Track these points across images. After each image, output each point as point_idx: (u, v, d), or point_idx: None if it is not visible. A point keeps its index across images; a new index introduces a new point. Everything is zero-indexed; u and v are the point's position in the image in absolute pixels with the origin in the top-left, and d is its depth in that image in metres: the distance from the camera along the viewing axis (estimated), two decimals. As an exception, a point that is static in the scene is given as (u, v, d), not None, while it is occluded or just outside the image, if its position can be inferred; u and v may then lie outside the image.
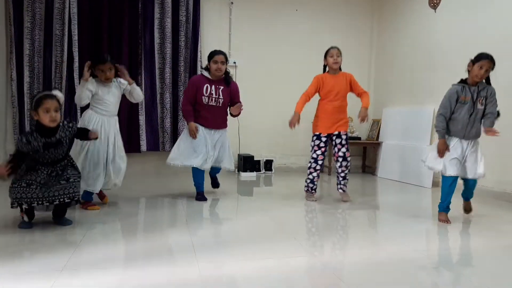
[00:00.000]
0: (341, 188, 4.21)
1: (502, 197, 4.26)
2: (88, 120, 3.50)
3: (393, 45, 6.25)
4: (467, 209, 3.59)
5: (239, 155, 6.00)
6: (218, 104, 4.01)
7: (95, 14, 5.54)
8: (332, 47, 4.14)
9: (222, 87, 4.02)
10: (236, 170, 6.01)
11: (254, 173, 5.93)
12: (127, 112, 5.65)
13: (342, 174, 4.17)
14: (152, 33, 5.75)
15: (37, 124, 2.82)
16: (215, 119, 4.03)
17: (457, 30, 4.97)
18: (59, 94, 2.91)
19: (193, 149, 3.95)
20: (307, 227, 3.28)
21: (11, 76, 5.35)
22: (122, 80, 3.67)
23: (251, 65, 6.16)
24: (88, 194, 3.55)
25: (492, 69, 3.26)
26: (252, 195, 4.55)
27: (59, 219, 3.02)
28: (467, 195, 3.55)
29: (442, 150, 3.32)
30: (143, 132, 5.75)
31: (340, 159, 4.13)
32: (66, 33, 5.39)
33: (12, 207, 2.83)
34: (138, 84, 5.69)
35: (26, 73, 5.36)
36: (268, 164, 6.14)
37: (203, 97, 3.95)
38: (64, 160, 2.96)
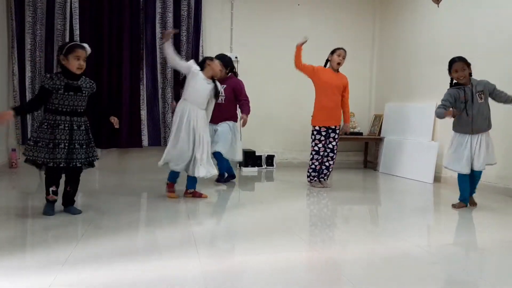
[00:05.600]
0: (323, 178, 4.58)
1: (505, 193, 4.25)
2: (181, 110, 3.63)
3: (395, 40, 6.22)
4: (472, 203, 3.72)
5: (240, 150, 6.00)
6: (222, 101, 4.36)
7: (96, 8, 5.53)
8: (340, 48, 4.45)
9: (225, 86, 4.37)
10: (238, 165, 6.01)
11: (256, 168, 5.93)
12: (128, 106, 5.65)
13: (327, 164, 4.51)
14: (153, 27, 5.73)
15: (63, 68, 2.99)
16: (219, 114, 4.31)
17: (460, 25, 4.93)
18: (88, 47, 3.07)
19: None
20: (308, 222, 3.28)
21: (13, 71, 5.35)
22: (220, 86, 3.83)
23: (253, 60, 6.14)
24: (172, 178, 3.75)
25: (468, 65, 3.51)
26: (254, 190, 4.55)
27: (70, 206, 3.13)
28: (470, 190, 3.68)
29: (451, 112, 3.51)
30: (145, 127, 5.75)
31: (328, 150, 4.47)
32: (68, 28, 5.38)
33: (38, 167, 3.00)
34: (140, 79, 5.70)
35: (28, 68, 5.36)
36: (270, 160, 6.14)
37: None
38: (81, 117, 3.06)
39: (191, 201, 3.78)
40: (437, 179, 5.08)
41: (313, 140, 4.45)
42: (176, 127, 3.58)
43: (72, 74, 2.98)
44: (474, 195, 3.73)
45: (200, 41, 5.87)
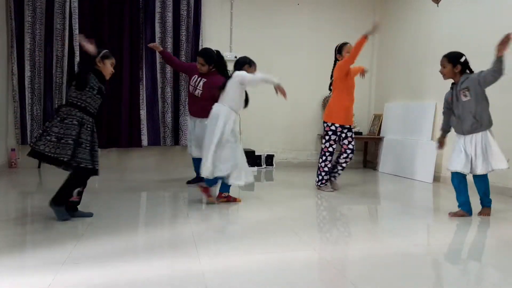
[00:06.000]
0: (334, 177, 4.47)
1: (505, 192, 4.26)
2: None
3: (394, 39, 6.22)
4: (484, 213, 3.38)
5: (240, 150, 6.00)
6: (198, 95, 4.25)
7: (95, 8, 5.53)
8: (348, 43, 4.29)
9: (205, 80, 4.22)
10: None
11: (255, 168, 5.93)
12: (128, 106, 5.65)
13: (344, 165, 4.38)
14: (153, 27, 5.73)
15: (96, 72, 3.00)
16: (197, 108, 4.22)
17: (460, 24, 4.93)
18: None
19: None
20: (308, 222, 3.28)
21: (12, 70, 5.35)
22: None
23: (252, 60, 6.13)
24: (211, 183, 3.61)
25: (451, 62, 3.31)
26: (253, 190, 4.55)
27: (77, 209, 3.06)
28: (482, 201, 3.39)
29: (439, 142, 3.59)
30: (144, 127, 5.75)
31: (349, 151, 4.33)
32: (67, 28, 5.38)
33: (71, 164, 2.84)
34: (139, 79, 5.70)
35: (27, 67, 5.36)
36: (269, 159, 6.14)
37: (189, 86, 4.34)
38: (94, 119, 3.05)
39: (191, 200, 3.79)
40: (436, 178, 5.09)
41: (328, 141, 4.29)
42: (228, 136, 3.52)
43: (102, 79, 3.02)
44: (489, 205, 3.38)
45: (200, 41, 5.87)
